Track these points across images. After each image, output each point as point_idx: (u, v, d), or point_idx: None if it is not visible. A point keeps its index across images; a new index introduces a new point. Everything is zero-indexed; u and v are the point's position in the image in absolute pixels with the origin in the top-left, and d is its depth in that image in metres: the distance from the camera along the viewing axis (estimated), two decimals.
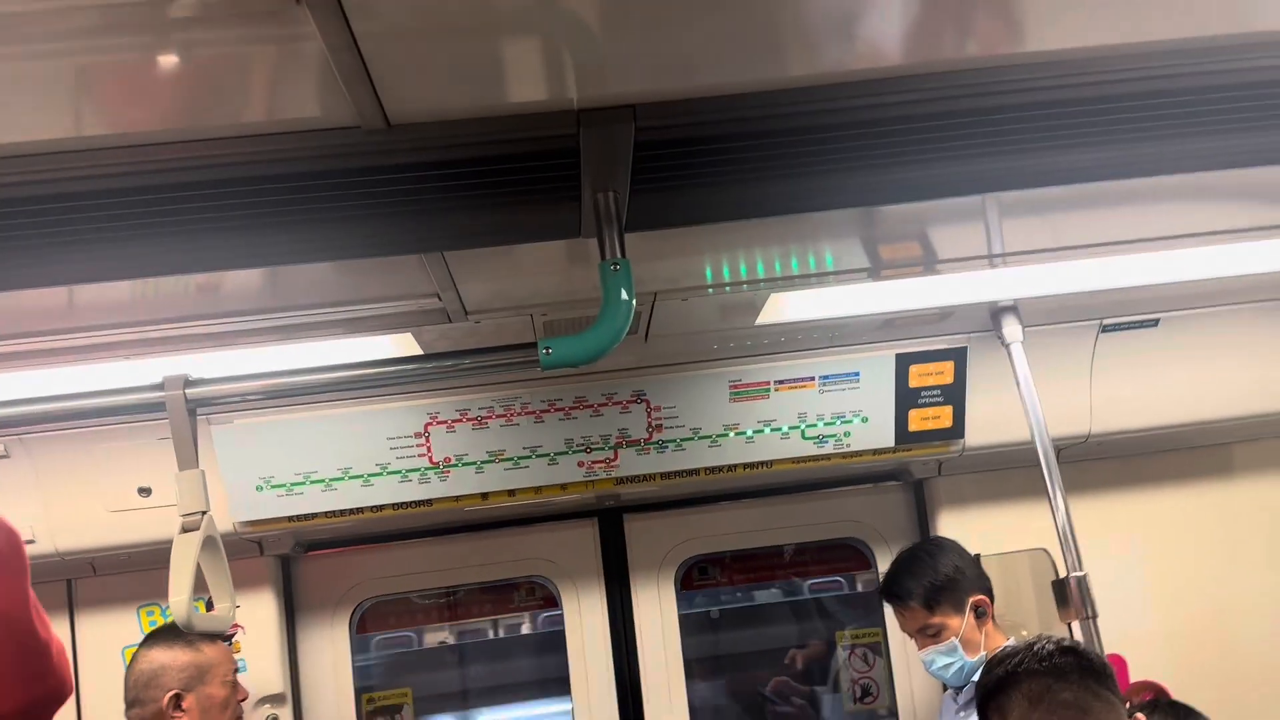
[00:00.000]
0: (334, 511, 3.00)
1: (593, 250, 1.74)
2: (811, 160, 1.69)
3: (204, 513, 1.90)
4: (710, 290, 2.41)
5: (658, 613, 3.56)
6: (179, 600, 1.80)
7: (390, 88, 1.36)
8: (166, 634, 2.67)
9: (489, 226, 1.80)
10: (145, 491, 2.93)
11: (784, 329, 2.80)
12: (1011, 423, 2.87)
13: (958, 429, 3.11)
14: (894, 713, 3.60)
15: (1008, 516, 3.37)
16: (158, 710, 2.59)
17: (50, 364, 2.26)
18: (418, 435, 2.93)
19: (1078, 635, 2.68)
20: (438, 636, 3.80)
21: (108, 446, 2.86)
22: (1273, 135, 1.79)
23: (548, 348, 1.79)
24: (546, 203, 1.72)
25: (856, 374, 3.01)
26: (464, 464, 2.97)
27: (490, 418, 2.94)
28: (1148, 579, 3.43)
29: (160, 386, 1.92)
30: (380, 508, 3.01)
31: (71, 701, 3.15)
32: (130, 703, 2.65)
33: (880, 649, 3.69)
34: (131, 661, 2.68)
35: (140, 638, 2.87)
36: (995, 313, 2.86)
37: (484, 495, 3.05)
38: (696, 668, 3.67)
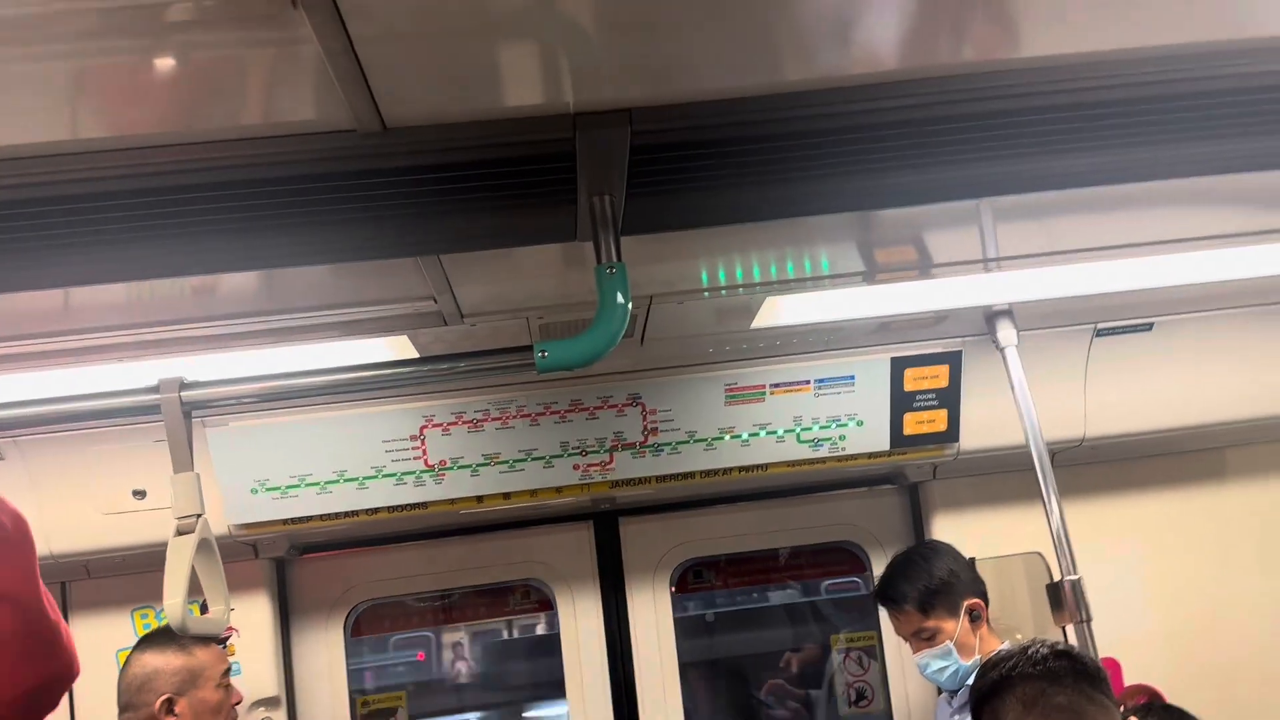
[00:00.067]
0: (329, 514, 2.99)
1: (588, 253, 1.74)
2: (807, 165, 1.69)
3: (199, 515, 1.90)
4: (706, 294, 2.41)
5: (653, 616, 3.56)
6: (173, 603, 1.80)
7: (386, 91, 1.36)
8: (159, 638, 2.66)
9: (485, 230, 1.81)
10: (140, 494, 2.93)
11: (779, 332, 2.80)
12: (1006, 426, 2.88)
13: (952, 433, 3.12)
14: (889, 716, 3.60)
15: (1002, 520, 3.37)
16: (150, 715, 2.59)
17: (45, 366, 2.26)
18: (413, 438, 2.93)
19: (1072, 639, 2.69)
20: (432, 640, 3.79)
21: (103, 449, 2.85)
22: (1266, 140, 1.79)
23: (543, 351, 1.79)
24: (542, 206, 1.72)
25: (852, 377, 3.01)
26: (459, 467, 2.97)
27: (486, 420, 2.94)
28: (1142, 582, 3.44)
29: (155, 389, 1.92)
30: (375, 510, 3.01)
31: (65, 704, 3.15)
32: (123, 707, 2.64)
33: (875, 652, 3.69)
34: (124, 665, 2.68)
35: (134, 640, 2.86)
36: (990, 317, 2.87)
37: (479, 498, 3.05)
38: (691, 671, 3.67)
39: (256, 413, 2.83)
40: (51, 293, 1.94)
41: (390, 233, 1.75)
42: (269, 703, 3.26)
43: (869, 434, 3.08)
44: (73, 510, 2.93)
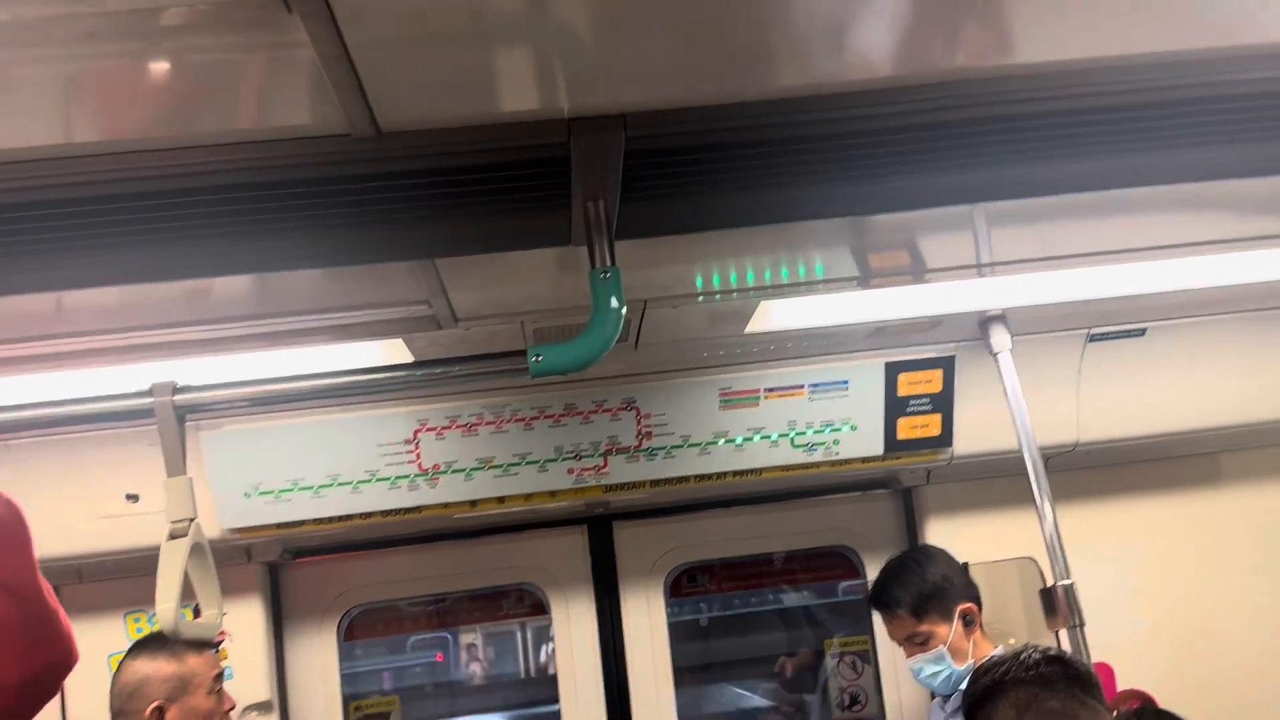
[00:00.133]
0: (322, 518, 2.99)
1: (583, 258, 1.74)
2: (801, 169, 1.70)
3: (192, 519, 1.90)
4: (700, 298, 2.41)
5: (646, 620, 3.56)
6: (166, 607, 1.80)
7: (381, 96, 1.36)
8: (150, 644, 2.65)
9: (479, 234, 1.81)
10: (133, 497, 2.92)
11: (774, 337, 2.80)
12: (999, 431, 2.89)
13: (946, 437, 3.12)
14: None
15: (996, 525, 3.38)
16: None
17: (38, 369, 2.25)
18: (407, 442, 2.93)
19: (1065, 644, 2.69)
20: (426, 644, 3.79)
21: (96, 452, 2.85)
22: (1259, 147, 1.80)
23: (538, 355, 1.79)
24: (537, 211, 1.72)
25: (846, 382, 3.02)
26: (453, 471, 2.97)
27: (480, 424, 2.94)
28: (1135, 587, 3.44)
29: (149, 393, 1.92)
30: (369, 514, 3.00)
31: (57, 708, 3.14)
32: (115, 713, 2.63)
33: (869, 657, 3.69)
34: (116, 672, 2.67)
35: (127, 644, 2.85)
36: (983, 322, 2.88)
37: (473, 502, 3.04)
38: (685, 675, 3.67)
39: (250, 416, 2.82)
40: (45, 296, 1.94)
41: (385, 237, 1.75)
42: (261, 707, 3.25)
43: (863, 438, 3.08)
44: (66, 513, 2.92)
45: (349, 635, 3.56)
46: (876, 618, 3.12)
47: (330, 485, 2.93)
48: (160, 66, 1.28)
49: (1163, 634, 3.42)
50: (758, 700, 3.98)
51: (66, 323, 2.09)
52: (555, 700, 3.52)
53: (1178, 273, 2.58)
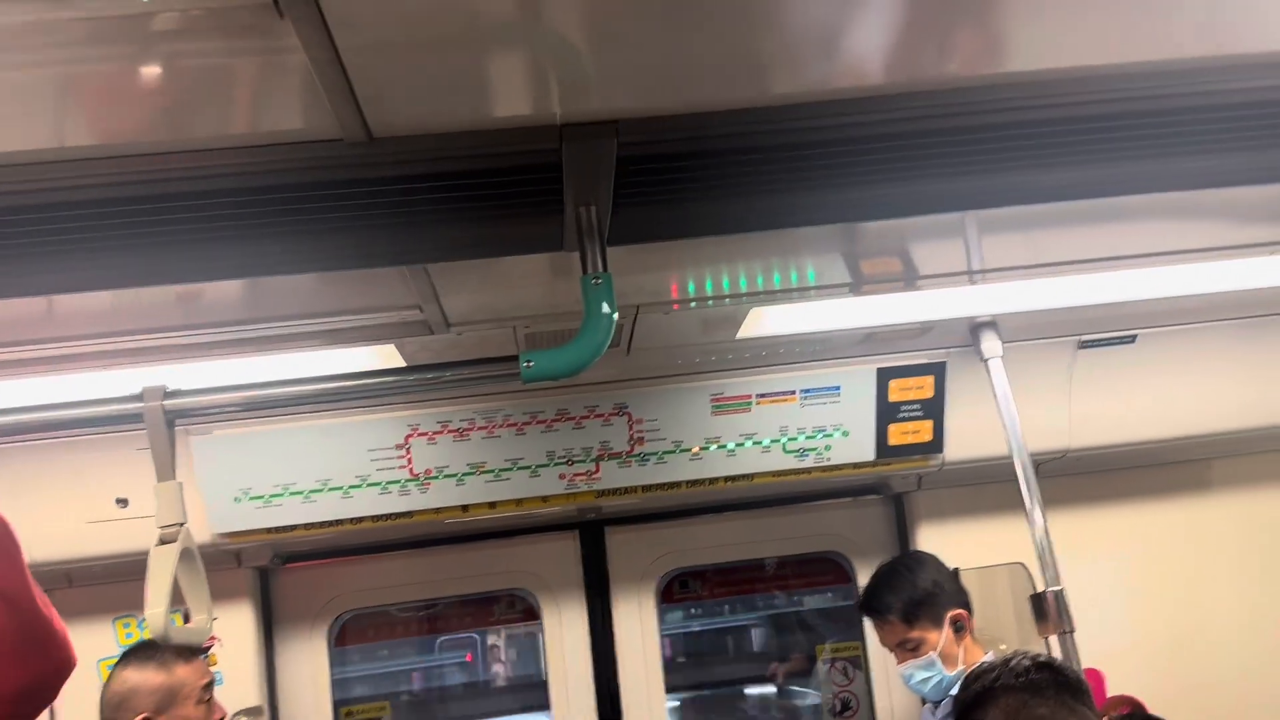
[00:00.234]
0: (313, 523, 2.98)
1: (575, 263, 1.74)
2: (793, 176, 1.70)
3: (182, 524, 1.89)
4: (692, 304, 2.42)
5: (638, 625, 3.55)
6: (156, 612, 1.79)
7: (373, 101, 1.36)
8: (140, 654, 2.63)
9: (471, 239, 1.81)
10: (123, 502, 2.91)
11: (766, 343, 2.81)
12: (990, 437, 2.89)
13: (937, 443, 3.13)
14: None
15: (986, 531, 3.38)
16: None
17: (28, 373, 2.25)
18: (398, 447, 2.92)
19: (1055, 650, 2.70)
20: (417, 649, 3.78)
21: (85, 457, 2.84)
22: (1249, 155, 1.81)
23: (529, 360, 1.79)
24: (529, 216, 1.72)
25: (837, 388, 3.02)
26: (445, 476, 2.96)
27: (472, 429, 2.94)
28: (1125, 593, 3.45)
29: (139, 397, 1.91)
30: (360, 519, 2.99)
31: (45, 713, 3.12)
32: None
33: (860, 662, 3.69)
34: (106, 681, 2.65)
35: (117, 649, 2.84)
36: (974, 328, 2.89)
37: (465, 507, 3.04)
38: (677, 680, 3.67)
39: (241, 421, 2.82)
40: (35, 300, 1.93)
41: (376, 242, 1.75)
42: (252, 713, 3.24)
43: (854, 444, 3.09)
44: (55, 518, 2.90)
45: (340, 640, 3.55)
46: (868, 623, 3.12)
47: (321, 490, 2.93)
48: (152, 71, 1.28)
49: (1153, 640, 3.43)
50: (751, 705, 3.97)
51: (57, 326, 2.09)
52: (546, 706, 3.52)
53: (1168, 280, 2.59)
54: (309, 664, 3.46)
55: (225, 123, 1.41)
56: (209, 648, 3.09)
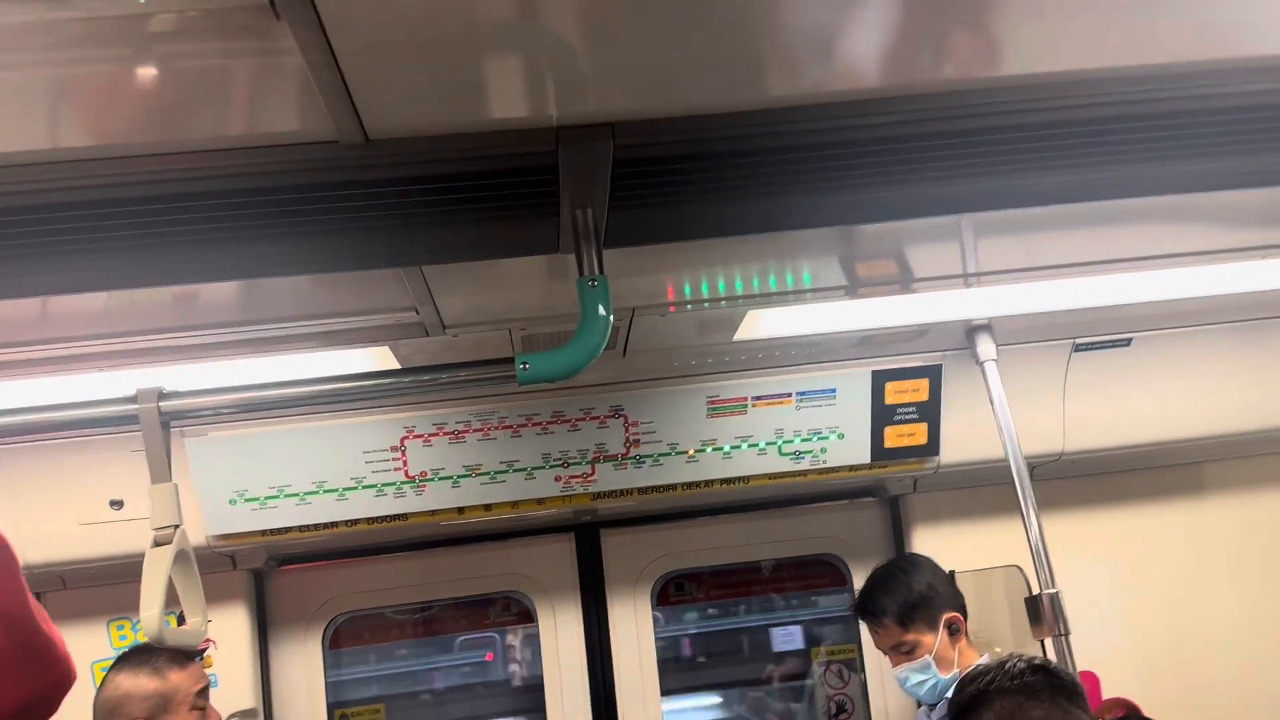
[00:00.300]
0: (308, 525, 2.98)
1: (571, 266, 1.74)
2: (789, 179, 1.70)
3: (177, 526, 1.89)
4: (688, 306, 2.42)
5: (634, 628, 3.55)
6: (150, 614, 1.79)
7: (369, 103, 1.36)
8: (133, 659, 2.62)
9: (467, 241, 1.81)
10: (117, 504, 2.90)
11: (761, 345, 2.81)
12: (985, 440, 2.89)
13: (933, 446, 3.13)
14: None
15: (982, 533, 3.39)
16: None
17: (23, 375, 2.24)
18: (394, 449, 2.92)
19: (1050, 652, 2.70)
20: (412, 652, 3.77)
21: (80, 458, 2.83)
22: (1244, 159, 1.82)
23: (525, 363, 1.79)
24: (525, 218, 1.72)
25: (833, 390, 3.02)
26: (440, 478, 2.96)
27: (467, 432, 2.93)
28: (1120, 596, 3.46)
29: (134, 399, 1.91)
30: (355, 522, 2.99)
31: None
32: None
33: (855, 665, 3.70)
34: (100, 686, 2.65)
35: (111, 652, 2.83)
36: (970, 331, 2.89)
37: (460, 510, 3.04)
38: (672, 683, 3.66)
39: (236, 423, 2.81)
40: (30, 301, 1.93)
41: (372, 243, 1.75)
42: (246, 715, 3.23)
43: (850, 447, 3.09)
44: (49, 520, 2.90)
45: (334, 643, 3.55)
46: (863, 626, 3.12)
47: (316, 492, 2.92)
48: (148, 72, 1.28)
49: (1147, 643, 3.43)
50: (746, 708, 3.97)
51: (52, 328, 2.08)
52: (542, 709, 3.51)
53: (1163, 283, 2.60)
54: (304, 666, 3.45)
55: (222, 124, 1.40)
56: (203, 650, 3.08)
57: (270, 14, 1.14)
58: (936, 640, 2.79)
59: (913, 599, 2.81)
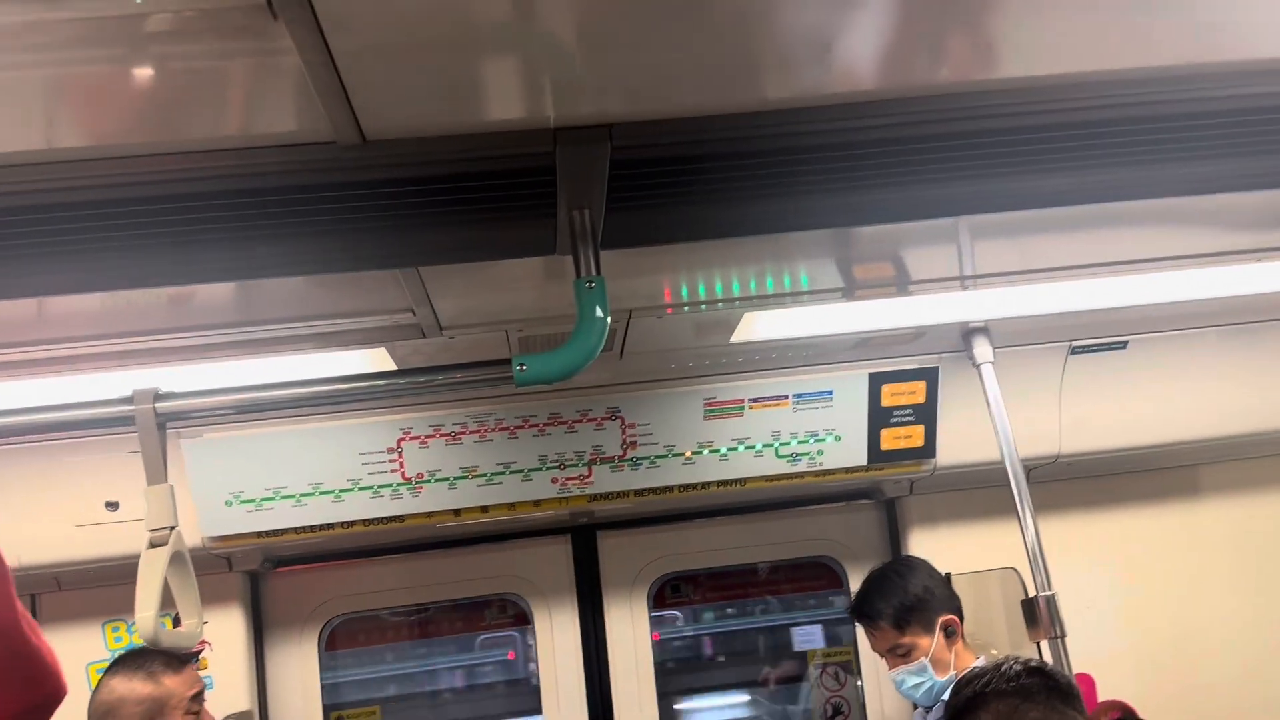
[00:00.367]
0: (304, 527, 2.97)
1: (568, 267, 1.74)
2: (787, 181, 1.70)
3: (172, 528, 1.89)
4: (685, 308, 2.42)
5: (630, 630, 3.55)
6: (145, 616, 1.79)
7: (366, 104, 1.36)
8: (128, 663, 2.62)
9: (464, 242, 1.81)
10: (113, 505, 2.90)
11: (758, 347, 2.81)
12: (982, 443, 2.90)
13: (929, 448, 3.13)
14: None
15: (978, 535, 3.39)
16: None
17: (18, 375, 2.24)
18: (390, 450, 2.92)
19: (1047, 655, 2.70)
20: (408, 654, 3.77)
21: (75, 460, 2.82)
22: (1240, 161, 1.82)
23: (522, 364, 1.79)
24: (522, 220, 1.72)
25: (830, 393, 3.02)
26: (437, 480, 2.96)
27: (464, 433, 2.93)
28: (1116, 598, 3.46)
29: (130, 400, 1.91)
30: (351, 523, 2.99)
31: None
32: None
33: (851, 668, 3.70)
34: (94, 690, 2.64)
35: (106, 653, 2.83)
36: (966, 333, 2.89)
37: (457, 511, 3.03)
38: (668, 685, 3.66)
39: (232, 424, 2.81)
40: (25, 301, 1.92)
41: (369, 245, 1.75)
42: (242, 717, 3.22)
43: (846, 449, 3.09)
44: (44, 521, 2.89)
45: (330, 645, 3.54)
46: (859, 628, 3.12)
47: (312, 494, 2.92)
48: (145, 73, 1.28)
49: (1144, 645, 3.44)
50: (741, 711, 3.97)
51: (47, 328, 2.08)
52: (538, 711, 3.51)
53: (1159, 286, 2.60)
54: (299, 668, 3.45)
55: (218, 125, 1.40)
56: (199, 652, 3.07)
57: (267, 14, 1.14)
58: (933, 643, 2.79)
59: (909, 601, 2.81)
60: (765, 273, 2.28)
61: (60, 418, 1.96)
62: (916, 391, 3.06)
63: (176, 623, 1.98)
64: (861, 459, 3.11)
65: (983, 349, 2.86)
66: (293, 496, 2.91)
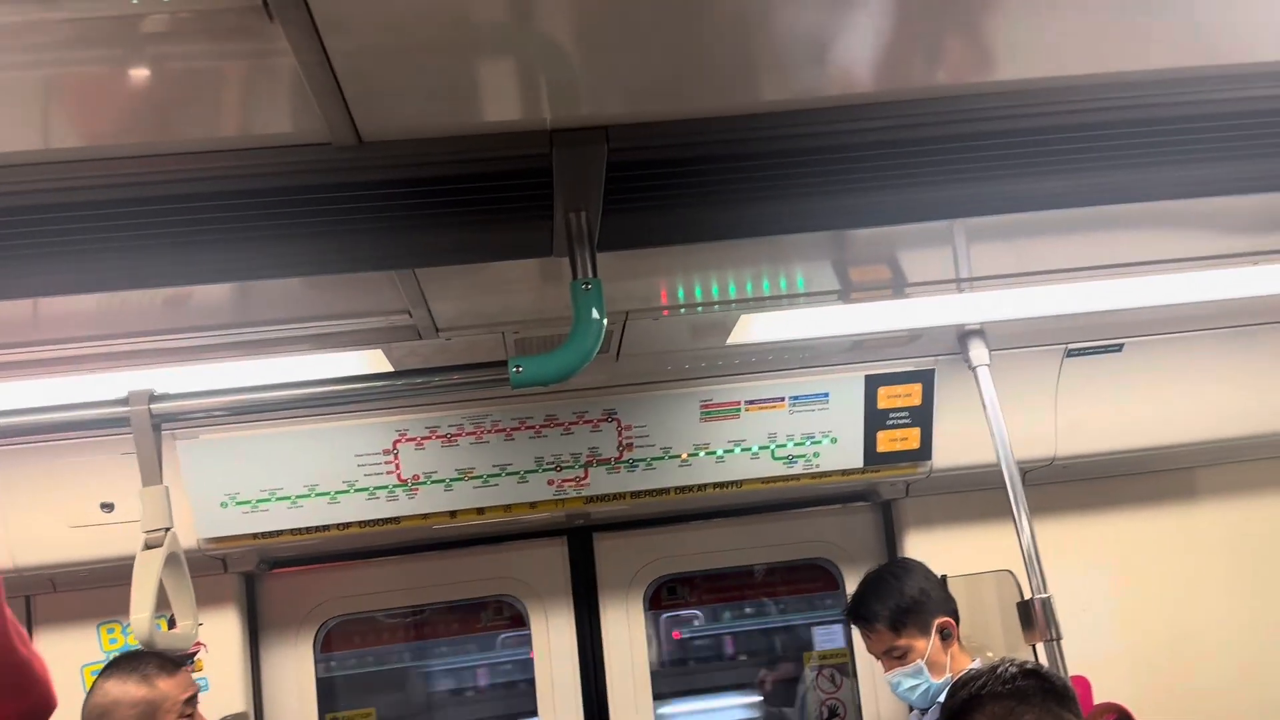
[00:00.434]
0: (300, 529, 2.97)
1: (565, 269, 1.74)
2: (783, 184, 1.71)
3: (167, 529, 1.88)
4: (682, 310, 2.42)
5: (626, 632, 3.55)
6: (140, 618, 1.78)
7: (362, 105, 1.36)
8: (122, 666, 2.61)
9: (461, 244, 1.80)
10: (108, 507, 2.89)
11: (755, 349, 2.81)
12: (978, 445, 2.90)
13: (925, 450, 3.13)
14: None
15: (974, 538, 3.39)
16: None
17: (13, 377, 2.23)
18: (386, 452, 2.92)
19: (1043, 657, 2.70)
20: (403, 656, 3.77)
21: (71, 461, 2.82)
22: (1235, 165, 1.82)
23: (518, 366, 1.79)
24: (519, 221, 1.72)
25: (826, 395, 3.02)
26: (433, 481, 2.96)
27: (460, 435, 2.93)
28: (1112, 601, 3.46)
29: (125, 401, 1.91)
30: (347, 525, 2.98)
31: None
32: None
33: (848, 670, 3.70)
34: (88, 692, 2.64)
35: (101, 655, 2.82)
36: (962, 336, 2.89)
37: (453, 513, 3.03)
38: (664, 687, 3.66)
39: (227, 425, 2.80)
40: (20, 302, 1.92)
41: (365, 246, 1.75)
42: (237, 718, 3.22)
43: (843, 451, 3.09)
44: (39, 523, 2.89)
45: (326, 646, 3.54)
46: (855, 631, 3.12)
47: (308, 495, 2.92)
48: (141, 73, 1.28)
49: (1139, 648, 3.44)
50: (738, 713, 3.97)
51: (42, 330, 2.07)
52: (534, 713, 3.51)
53: (1155, 289, 2.60)
54: (295, 670, 3.44)
55: (214, 125, 1.40)
56: (194, 654, 3.06)
57: (263, 15, 1.14)
58: (929, 645, 2.79)
59: (905, 604, 2.81)
60: (762, 275, 2.28)
61: (55, 419, 1.95)
62: (912, 394, 3.06)
63: (172, 624, 1.97)
64: (858, 461, 3.12)
65: (979, 351, 2.87)
66: (288, 498, 2.91)
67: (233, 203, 1.52)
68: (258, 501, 2.91)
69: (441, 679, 3.85)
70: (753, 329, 2.59)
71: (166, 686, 2.56)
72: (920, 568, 2.95)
